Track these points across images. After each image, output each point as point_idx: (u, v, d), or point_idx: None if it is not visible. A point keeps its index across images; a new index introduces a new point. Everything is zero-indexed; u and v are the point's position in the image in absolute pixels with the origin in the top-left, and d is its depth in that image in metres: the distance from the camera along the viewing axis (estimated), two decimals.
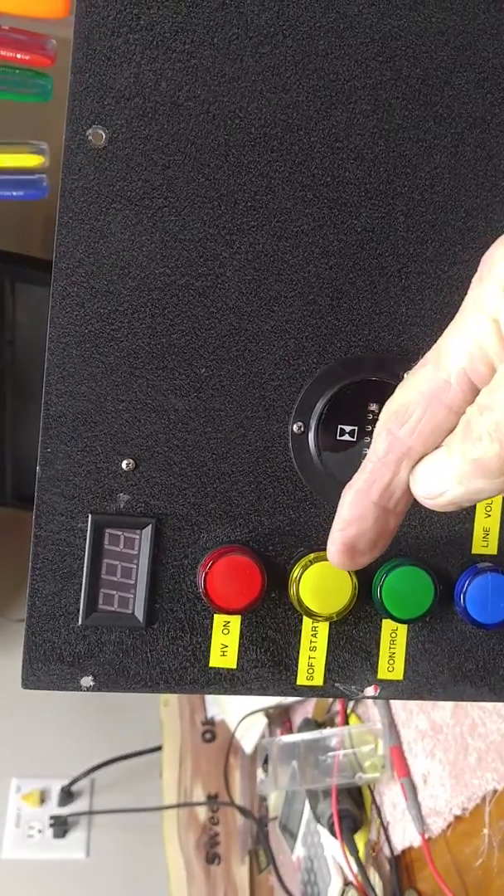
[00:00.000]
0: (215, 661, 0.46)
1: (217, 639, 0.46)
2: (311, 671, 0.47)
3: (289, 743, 0.94)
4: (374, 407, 0.45)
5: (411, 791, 0.81)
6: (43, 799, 1.28)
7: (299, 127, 0.43)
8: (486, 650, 0.48)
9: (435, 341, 0.30)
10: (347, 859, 0.86)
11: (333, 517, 0.32)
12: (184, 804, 1.20)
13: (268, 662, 0.46)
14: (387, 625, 0.47)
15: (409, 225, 0.44)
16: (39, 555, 0.44)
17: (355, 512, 0.31)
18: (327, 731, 0.91)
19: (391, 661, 0.47)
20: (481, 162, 0.44)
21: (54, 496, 0.44)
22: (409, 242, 0.44)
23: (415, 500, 0.31)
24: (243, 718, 1.09)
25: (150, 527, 0.45)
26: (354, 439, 0.45)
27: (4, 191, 0.67)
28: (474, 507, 0.47)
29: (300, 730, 0.98)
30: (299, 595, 0.45)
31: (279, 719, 1.06)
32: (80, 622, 0.44)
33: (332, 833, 0.87)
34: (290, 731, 1.03)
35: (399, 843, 0.84)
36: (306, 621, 0.46)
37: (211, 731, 1.23)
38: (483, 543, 0.47)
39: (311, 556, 0.45)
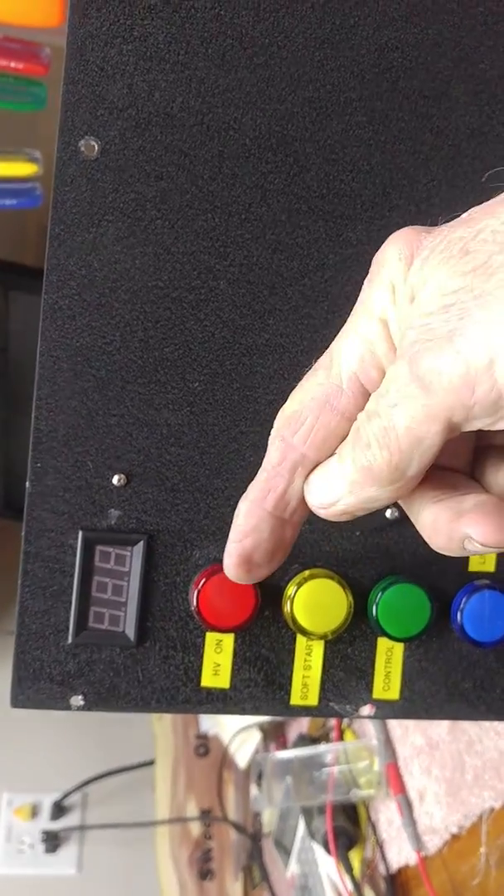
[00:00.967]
0: (208, 680, 0.45)
1: (210, 658, 0.45)
2: (305, 690, 0.46)
3: (283, 758, 0.93)
4: None
5: (407, 808, 0.80)
6: (34, 813, 1.26)
7: (294, 138, 0.43)
8: (484, 669, 0.47)
9: None
10: (342, 877, 0.85)
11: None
12: (177, 819, 1.19)
13: (261, 682, 0.45)
14: (382, 643, 0.46)
15: None
16: (29, 572, 0.43)
17: (251, 523, 0.30)
18: (322, 747, 0.91)
19: (387, 680, 0.46)
20: (478, 173, 0.44)
21: (44, 512, 0.43)
22: None
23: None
24: (237, 733, 1.08)
25: (141, 543, 0.44)
26: None
27: None
28: None
29: (295, 745, 0.97)
30: (293, 613, 0.44)
31: (274, 734, 1.05)
32: (69, 640, 0.44)
33: (327, 850, 0.86)
34: (284, 746, 1.02)
35: (395, 861, 0.83)
36: (300, 640, 0.45)
37: (204, 745, 1.22)
38: (480, 560, 0.46)
39: (306, 573, 0.44)
